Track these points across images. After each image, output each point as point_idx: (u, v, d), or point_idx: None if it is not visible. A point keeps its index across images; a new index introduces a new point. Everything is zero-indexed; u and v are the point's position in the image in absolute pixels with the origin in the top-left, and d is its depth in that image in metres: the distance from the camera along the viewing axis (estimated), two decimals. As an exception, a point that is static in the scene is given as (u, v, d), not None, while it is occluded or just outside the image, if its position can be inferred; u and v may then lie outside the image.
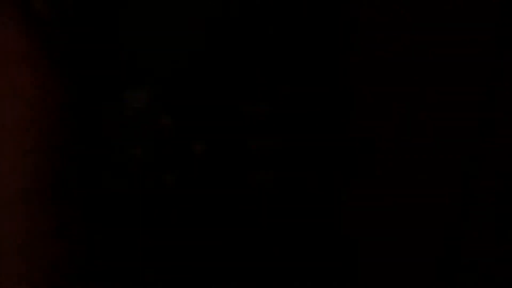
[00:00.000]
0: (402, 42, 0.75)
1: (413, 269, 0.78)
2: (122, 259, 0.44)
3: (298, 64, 0.47)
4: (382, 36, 0.73)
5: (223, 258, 0.45)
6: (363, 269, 0.70)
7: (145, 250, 0.43)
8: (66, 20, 0.43)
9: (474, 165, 0.84)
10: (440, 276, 0.78)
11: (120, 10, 0.46)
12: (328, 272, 0.49)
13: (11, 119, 0.36)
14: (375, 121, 0.71)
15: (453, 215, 0.82)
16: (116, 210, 0.43)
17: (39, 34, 0.37)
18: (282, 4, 0.48)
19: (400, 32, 0.74)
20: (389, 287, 0.75)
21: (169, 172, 0.44)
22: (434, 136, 0.81)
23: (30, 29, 0.37)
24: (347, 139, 0.49)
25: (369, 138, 0.56)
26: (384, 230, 0.76)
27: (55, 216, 0.38)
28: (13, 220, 0.36)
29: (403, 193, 0.79)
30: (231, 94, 0.46)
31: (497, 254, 0.80)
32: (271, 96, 0.46)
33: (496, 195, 0.81)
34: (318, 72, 0.48)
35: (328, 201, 0.48)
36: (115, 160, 0.44)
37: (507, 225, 0.78)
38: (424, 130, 0.80)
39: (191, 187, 0.44)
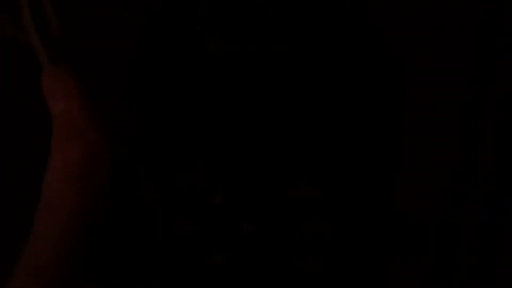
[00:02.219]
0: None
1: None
2: None
3: (353, 151, 0.47)
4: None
5: None
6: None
7: None
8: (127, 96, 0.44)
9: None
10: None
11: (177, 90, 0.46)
12: None
13: (59, 195, 0.38)
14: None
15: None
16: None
17: (96, 109, 0.39)
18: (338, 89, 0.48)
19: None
20: None
21: (218, 251, 0.43)
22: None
23: (90, 104, 0.40)
24: (396, 227, 0.49)
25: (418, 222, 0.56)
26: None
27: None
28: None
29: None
30: (285, 178, 0.45)
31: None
32: (324, 182, 0.46)
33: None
34: (371, 158, 0.48)
35: None
36: (162, 236, 0.44)
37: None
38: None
39: (239, 268, 0.43)
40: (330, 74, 0.48)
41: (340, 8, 0.50)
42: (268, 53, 0.47)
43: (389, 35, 0.50)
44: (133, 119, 0.45)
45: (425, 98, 0.80)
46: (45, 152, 0.40)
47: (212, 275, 0.42)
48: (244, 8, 0.48)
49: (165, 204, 0.43)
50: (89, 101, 0.41)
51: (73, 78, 0.42)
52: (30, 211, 0.40)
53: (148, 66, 0.48)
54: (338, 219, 0.45)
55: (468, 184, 0.87)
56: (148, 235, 0.43)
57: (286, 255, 0.44)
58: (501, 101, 0.86)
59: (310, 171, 0.45)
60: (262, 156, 0.45)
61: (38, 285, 0.38)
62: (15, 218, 0.47)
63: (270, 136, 0.46)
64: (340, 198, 0.45)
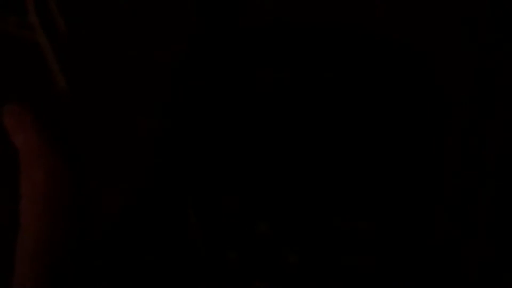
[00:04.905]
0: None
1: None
2: None
3: (398, 185, 0.47)
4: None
5: None
6: None
7: None
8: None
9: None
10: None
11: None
12: None
13: (30, 217, 0.42)
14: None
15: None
16: None
17: (56, 138, 0.44)
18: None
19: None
20: None
21: (259, 280, 0.44)
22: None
23: (48, 134, 0.44)
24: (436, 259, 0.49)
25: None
26: None
27: None
28: None
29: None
30: (330, 208, 0.46)
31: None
32: (370, 214, 0.46)
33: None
34: (414, 193, 0.48)
35: None
36: (206, 262, 0.45)
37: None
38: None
39: None
40: (376, 109, 0.48)
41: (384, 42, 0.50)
42: (314, 84, 0.48)
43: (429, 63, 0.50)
44: (179, 145, 0.46)
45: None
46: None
47: None
48: (293, 38, 0.49)
49: (209, 230, 0.44)
50: (46, 132, 0.44)
51: (29, 114, 0.45)
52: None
53: (193, 93, 0.48)
54: (381, 251, 0.45)
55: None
56: (191, 260, 0.44)
57: (329, 285, 0.44)
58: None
59: (355, 203, 0.45)
60: (309, 187, 0.45)
61: None
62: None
63: (317, 166, 0.46)
64: (384, 231, 0.45)
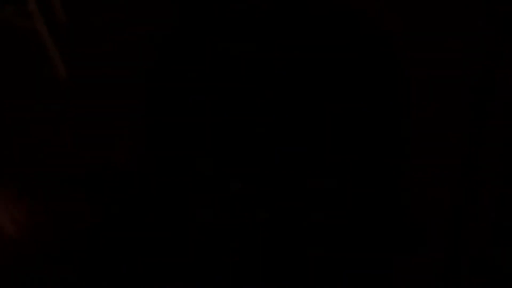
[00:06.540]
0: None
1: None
2: None
3: (366, 143, 0.47)
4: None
5: None
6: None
7: None
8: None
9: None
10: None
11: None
12: None
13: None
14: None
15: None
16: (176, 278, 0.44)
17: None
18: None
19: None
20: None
21: (233, 238, 0.44)
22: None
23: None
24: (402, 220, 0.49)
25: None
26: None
27: None
28: None
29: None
30: (300, 167, 0.46)
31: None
32: (337, 172, 0.46)
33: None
34: (383, 147, 0.48)
35: (381, 277, 0.48)
36: (180, 223, 0.45)
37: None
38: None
39: (253, 255, 0.44)
40: (342, 79, 0.48)
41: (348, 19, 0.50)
42: (278, 52, 0.47)
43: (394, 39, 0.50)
44: (156, 112, 0.46)
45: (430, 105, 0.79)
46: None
47: (227, 259, 0.43)
48: (256, 12, 0.48)
49: (183, 192, 0.44)
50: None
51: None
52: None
53: (169, 64, 0.48)
54: (347, 211, 0.45)
55: (471, 186, 0.87)
56: (165, 226, 0.44)
57: (296, 243, 0.44)
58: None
59: (324, 164, 0.45)
60: (278, 147, 0.45)
61: None
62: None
63: (286, 128, 0.46)
64: (350, 191, 0.45)
